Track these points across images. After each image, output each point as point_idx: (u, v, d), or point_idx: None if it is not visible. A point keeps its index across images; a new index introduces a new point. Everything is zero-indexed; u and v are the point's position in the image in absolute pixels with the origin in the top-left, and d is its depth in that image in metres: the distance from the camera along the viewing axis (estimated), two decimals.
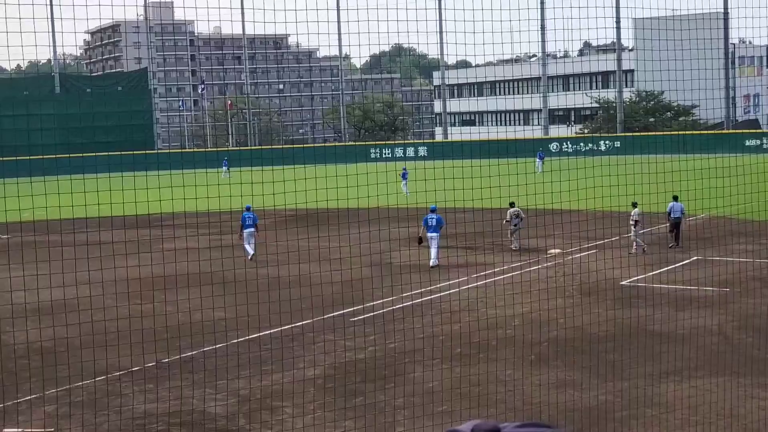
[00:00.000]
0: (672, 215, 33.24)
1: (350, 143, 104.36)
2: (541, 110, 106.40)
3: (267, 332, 22.09)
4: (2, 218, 36.51)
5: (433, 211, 32.06)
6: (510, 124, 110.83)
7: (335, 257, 23.73)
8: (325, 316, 23.65)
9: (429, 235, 32.17)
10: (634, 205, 32.84)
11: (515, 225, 34.24)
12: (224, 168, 75.22)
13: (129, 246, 25.41)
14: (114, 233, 26.61)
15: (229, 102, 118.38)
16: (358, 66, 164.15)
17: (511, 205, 34.10)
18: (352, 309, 24.83)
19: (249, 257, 33.46)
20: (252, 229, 34.39)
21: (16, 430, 15.80)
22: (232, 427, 16.72)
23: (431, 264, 31.42)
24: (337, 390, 18.34)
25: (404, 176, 53.97)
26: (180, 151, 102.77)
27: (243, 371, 19.76)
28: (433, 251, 31.94)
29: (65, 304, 21.22)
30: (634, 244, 33.16)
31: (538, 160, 69.93)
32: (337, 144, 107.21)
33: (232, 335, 21.93)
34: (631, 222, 33.24)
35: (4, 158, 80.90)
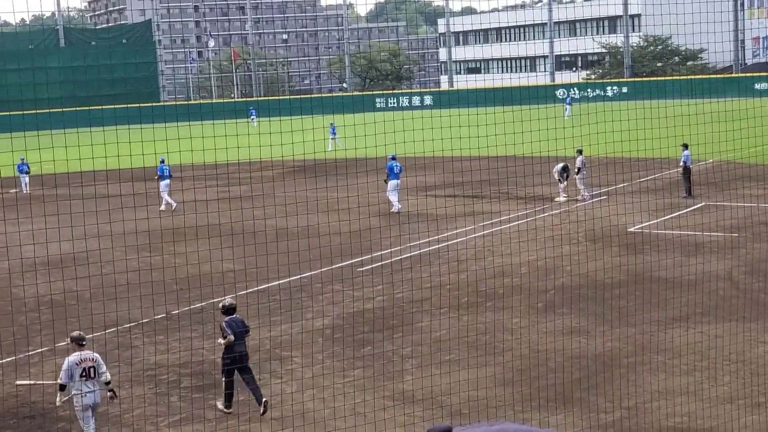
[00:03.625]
0: (686, 163, 32.95)
1: (355, 93, 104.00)
2: (547, 56, 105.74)
3: (275, 283, 22.20)
4: (10, 172, 36.63)
5: (393, 159, 32.18)
6: (516, 71, 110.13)
7: (341, 207, 23.75)
8: (333, 267, 23.73)
9: (395, 182, 32.32)
10: (579, 152, 32.92)
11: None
12: (252, 117, 75.27)
13: (137, 199, 25.44)
14: (122, 186, 26.64)
15: (235, 52, 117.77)
16: (362, 14, 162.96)
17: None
18: (359, 259, 24.91)
19: (173, 208, 34.40)
20: (169, 181, 35.91)
21: (28, 381, 15.96)
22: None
23: (397, 210, 31.71)
24: (345, 340, 18.45)
25: (333, 131, 53.99)
26: (199, 102, 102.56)
27: (251, 322, 19.84)
28: (396, 197, 32.43)
29: (75, 258, 21.33)
30: (583, 190, 33.18)
31: (567, 105, 69.73)
32: (342, 94, 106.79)
33: (241, 287, 22.04)
34: (575, 169, 33.24)
35: (11, 112, 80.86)
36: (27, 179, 43.30)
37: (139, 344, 18.93)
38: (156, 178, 36.09)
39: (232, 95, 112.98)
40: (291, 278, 22.18)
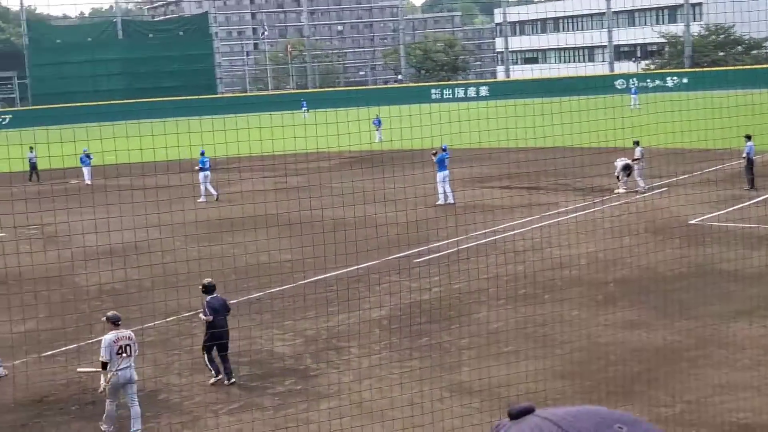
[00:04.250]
0: (749, 155, 32.35)
1: (411, 84, 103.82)
2: (605, 46, 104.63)
3: (332, 274, 22.24)
4: (72, 163, 37.10)
5: (445, 150, 32.16)
6: (573, 61, 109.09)
7: (399, 198, 23.70)
8: (390, 258, 23.71)
9: (445, 173, 32.27)
10: (636, 143, 32.52)
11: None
12: (303, 108, 75.52)
13: (196, 189, 25.62)
14: (182, 177, 26.87)
15: (289, 45, 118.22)
16: (417, 5, 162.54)
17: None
18: (416, 250, 24.85)
19: (216, 197, 35.52)
20: (209, 172, 37.03)
21: (89, 369, 16.15)
22: (299, 367, 16.92)
23: (444, 202, 31.62)
24: (402, 330, 18.42)
25: (377, 123, 53.66)
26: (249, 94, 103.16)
27: (309, 312, 19.95)
28: (449, 188, 32.36)
29: (136, 247, 21.57)
30: (640, 182, 32.74)
31: (633, 95, 68.88)
32: (397, 85, 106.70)
33: (298, 277, 22.11)
34: (633, 161, 32.84)
35: (72, 104, 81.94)
36: (89, 170, 43.77)
37: (198, 333, 19.06)
38: (196, 169, 36.66)
39: (288, 87, 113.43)
40: (348, 269, 22.20)
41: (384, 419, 13.68)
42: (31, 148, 44.11)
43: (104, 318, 14.77)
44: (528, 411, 1.62)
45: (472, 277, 20.97)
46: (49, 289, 19.25)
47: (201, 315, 16.41)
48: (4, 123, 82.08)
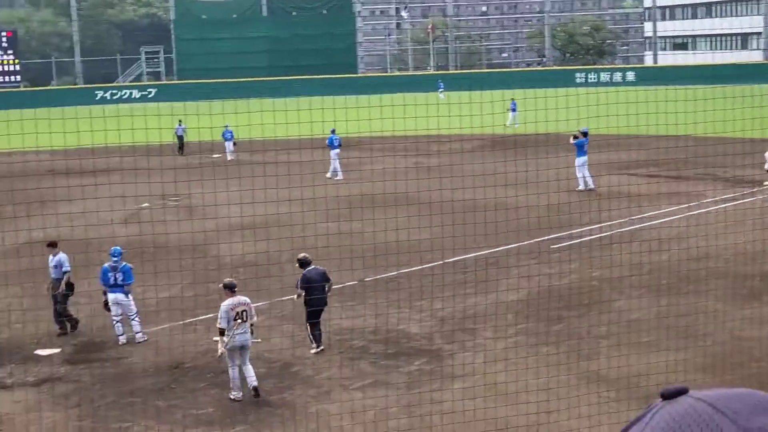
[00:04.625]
0: None
1: (555, 67, 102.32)
2: (761, 33, 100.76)
3: (467, 256, 22.04)
4: (215, 137, 37.88)
5: (585, 134, 31.37)
6: (726, 48, 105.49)
7: (537, 182, 23.30)
8: (527, 242, 23.37)
9: (584, 158, 31.46)
10: None
11: None
12: (440, 89, 75.34)
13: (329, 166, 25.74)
14: (322, 153, 27.03)
15: (431, 25, 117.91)
16: None
17: None
18: (554, 236, 24.42)
19: (338, 177, 36.20)
20: (339, 150, 37.49)
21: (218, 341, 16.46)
22: (431, 347, 16.83)
23: (584, 187, 30.89)
24: (536, 316, 18.14)
25: (513, 107, 52.58)
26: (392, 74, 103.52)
27: (443, 293, 19.83)
28: (588, 173, 31.62)
29: (279, 220, 21.87)
30: None
31: None
32: (541, 68, 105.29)
33: (433, 257, 22.02)
34: None
35: (217, 79, 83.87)
36: (231, 146, 44.45)
37: (331, 309, 19.19)
38: (332, 147, 37.27)
39: (428, 68, 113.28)
40: (483, 252, 21.97)
41: (516, 402, 13.44)
42: (180, 121, 45.06)
43: (220, 285, 15.23)
44: (682, 392, 1.52)
45: (612, 265, 20.47)
46: (192, 258, 19.65)
47: (298, 291, 16.73)
48: (149, 96, 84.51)
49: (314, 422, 13.56)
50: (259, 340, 15.63)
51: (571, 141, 32.03)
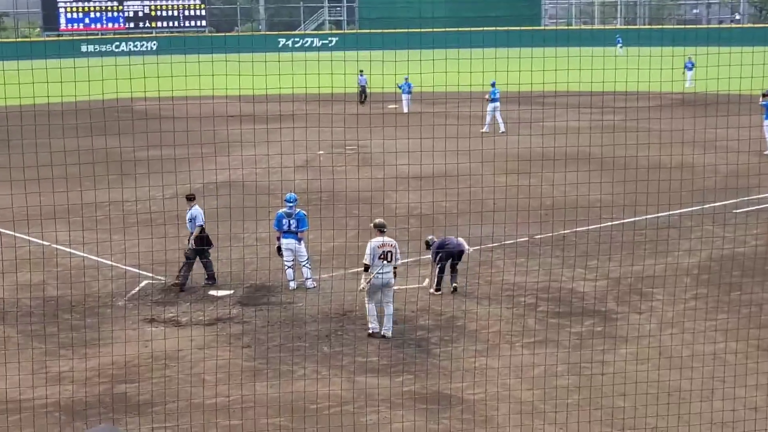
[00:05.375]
0: None
1: (749, 25, 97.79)
2: None
3: (643, 217, 21.43)
4: (393, 87, 38.00)
5: None
6: None
7: (723, 141, 22.36)
8: (707, 205, 22.51)
9: None
10: None
11: None
12: (618, 44, 73.36)
13: (510, 122, 25.44)
14: (506, 107, 26.64)
15: None
16: None
17: None
18: (736, 200, 23.44)
19: (501, 131, 35.96)
20: (498, 104, 37.23)
21: (362, 282, 16.69)
22: (601, 308, 16.49)
23: None
24: (713, 281, 17.50)
25: (690, 65, 50.21)
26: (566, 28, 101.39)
27: (615, 254, 19.37)
28: None
29: (449, 172, 21.81)
30: None
31: None
32: (733, 26, 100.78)
33: (607, 217, 21.51)
34: None
35: (397, 30, 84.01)
36: (408, 98, 44.38)
37: (500, 264, 19.06)
38: (486, 99, 36.83)
39: (615, 22, 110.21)
40: (661, 214, 21.30)
41: (687, 368, 13.00)
42: (361, 71, 45.24)
43: (371, 224, 15.73)
44: None
45: None
46: (366, 206, 19.85)
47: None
48: (330, 45, 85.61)
49: (479, 376, 13.53)
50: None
51: (761, 102, 30.59)
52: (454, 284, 17.40)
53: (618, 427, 11.92)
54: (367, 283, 15.13)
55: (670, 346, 14.37)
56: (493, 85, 36.23)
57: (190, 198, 18.51)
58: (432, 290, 17.29)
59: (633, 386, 12.57)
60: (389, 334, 15.23)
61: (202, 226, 18.20)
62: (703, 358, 13.37)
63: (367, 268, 15.14)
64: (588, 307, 16.55)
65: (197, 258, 18.17)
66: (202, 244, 18.16)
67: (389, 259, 15.17)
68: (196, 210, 18.36)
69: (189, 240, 18.26)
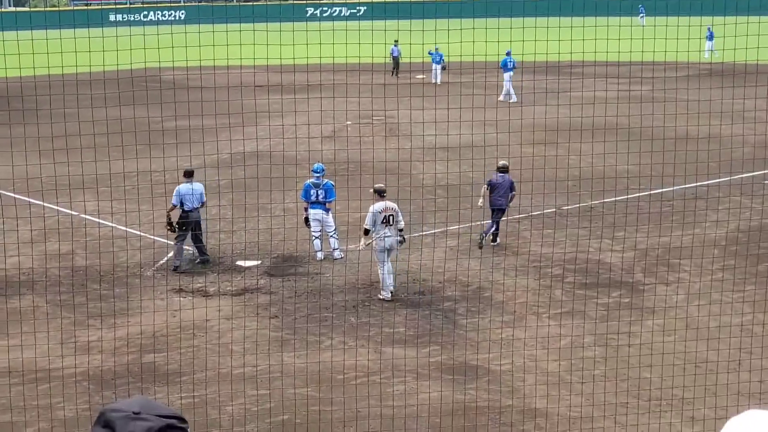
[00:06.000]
0: None
1: None
2: None
3: (671, 188, 21.31)
4: (422, 57, 37.85)
5: None
6: None
7: (748, 112, 22.14)
8: (736, 176, 22.36)
9: None
10: None
11: None
12: (641, 14, 72.58)
13: (537, 92, 25.32)
14: (533, 77, 26.48)
15: None
16: None
17: None
18: (765, 171, 23.25)
19: (511, 100, 35.73)
20: (512, 72, 37.24)
21: (361, 244, 16.81)
22: (628, 280, 16.45)
23: None
24: (740, 253, 17.40)
25: (710, 36, 49.79)
26: None
27: (643, 225, 19.29)
28: None
29: (472, 143, 21.74)
30: None
31: None
32: None
33: (635, 188, 21.40)
34: None
35: None
36: (439, 69, 43.76)
37: (527, 236, 19.04)
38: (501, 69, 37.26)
39: None
40: (689, 185, 21.17)
41: (715, 339, 12.97)
42: (396, 41, 44.41)
43: (371, 190, 16.24)
44: None
45: None
46: (394, 176, 19.83)
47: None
48: (358, 14, 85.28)
49: (506, 348, 13.55)
50: (402, 242, 16.25)
51: None
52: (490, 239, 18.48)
53: (644, 399, 11.92)
54: (367, 245, 15.84)
55: (697, 317, 14.34)
56: (508, 54, 36.23)
57: (190, 173, 17.78)
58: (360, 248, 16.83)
59: (660, 358, 12.56)
60: (393, 289, 15.79)
61: (202, 204, 17.68)
62: (731, 329, 13.33)
63: (366, 232, 15.83)
64: (615, 279, 16.51)
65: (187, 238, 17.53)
66: (194, 225, 17.54)
67: (391, 223, 15.76)
68: (201, 186, 17.80)
69: (173, 219, 17.49)
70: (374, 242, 15.81)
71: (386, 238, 15.66)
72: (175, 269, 17.32)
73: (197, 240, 17.62)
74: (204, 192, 17.81)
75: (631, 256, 17.54)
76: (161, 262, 17.86)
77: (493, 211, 18.49)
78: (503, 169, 18.59)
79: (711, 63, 37.93)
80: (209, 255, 17.81)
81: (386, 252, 15.74)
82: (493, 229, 18.54)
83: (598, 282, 16.23)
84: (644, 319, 14.44)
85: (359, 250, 16.22)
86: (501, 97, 36.36)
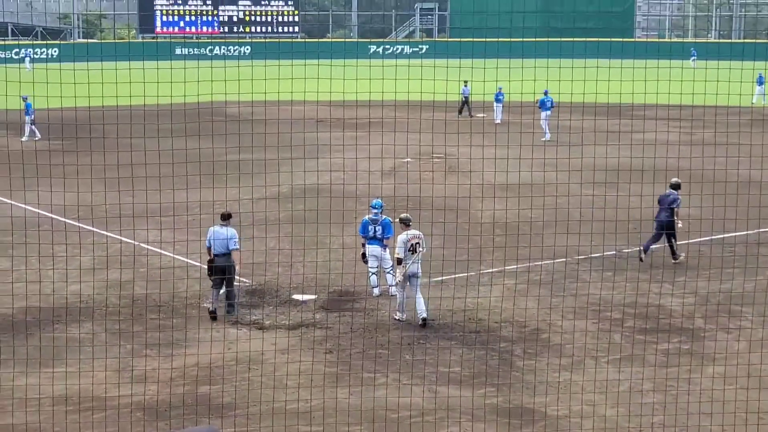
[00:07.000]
0: None
1: None
2: None
3: (733, 234, 20.97)
4: (484, 96, 37.90)
5: None
6: None
7: None
8: None
9: None
10: None
11: None
12: (693, 58, 71.96)
13: (599, 134, 25.11)
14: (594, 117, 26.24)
15: None
16: None
17: None
18: None
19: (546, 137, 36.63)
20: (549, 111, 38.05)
21: (398, 272, 16.97)
22: (689, 326, 16.17)
23: None
24: None
25: (760, 81, 49.11)
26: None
27: (704, 271, 18.98)
28: None
29: (532, 182, 21.61)
30: None
31: None
32: None
33: (696, 232, 21.09)
34: None
35: (490, 39, 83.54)
36: (501, 108, 43.43)
37: (586, 278, 18.83)
38: (537, 105, 38.09)
39: (708, 35, 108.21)
40: (751, 231, 20.82)
41: None
42: (465, 82, 44.13)
43: (397, 219, 16.76)
44: None
45: None
46: (454, 213, 19.79)
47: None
48: (420, 53, 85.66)
49: (563, 392, 13.37)
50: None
51: None
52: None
53: None
54: (402, 276, 16.10)
55: (759, 366, 14.03)
56: (545, 93, 36.85)
57: (226, 216, 16.94)
58: (398, 280, 16.48)
59: (720, 406, 12.30)
60: (426, 315, 16.07)
61: (238, 249, 16.81)
62: None
63: (400, 261, 16.21)
64: (675, 324, 16.24)
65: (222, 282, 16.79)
66: (228, 270, 16.81)
67: (416, 251, 16.21)
68: (233, 231, 16.89)
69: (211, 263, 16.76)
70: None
71: (411, 265, 16.16)
72: (210, 314, 16.57)
73: (228, 284, 16.76)
74: (237, 239, 16.71)
75: (691, 302, 17.26)
76: (219, 293, 17.94)
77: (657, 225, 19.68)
78: (672, 186, 19.85)
79: (764, 107, 37.44)
80: (237, 305, 16.92)
81: (408, 279, 16.20)
82: (655, 244, 19.69)
83: (658, 327, 15.98)
84: (704, 367, 14.17)
85: (398, 282, 16.35)
86: (545, 137, 36.54)
